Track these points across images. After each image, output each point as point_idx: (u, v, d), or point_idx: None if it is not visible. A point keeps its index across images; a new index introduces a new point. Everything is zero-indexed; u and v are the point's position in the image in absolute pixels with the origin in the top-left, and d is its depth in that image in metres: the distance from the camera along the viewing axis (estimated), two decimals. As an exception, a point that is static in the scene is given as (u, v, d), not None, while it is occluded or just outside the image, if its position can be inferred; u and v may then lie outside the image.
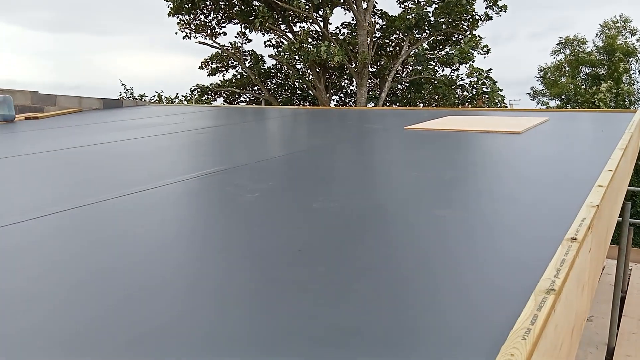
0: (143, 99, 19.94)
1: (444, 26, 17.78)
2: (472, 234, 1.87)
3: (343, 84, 21.54)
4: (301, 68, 19.76)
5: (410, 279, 1.47)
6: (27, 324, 1.26)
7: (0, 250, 1.79)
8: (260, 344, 1.12)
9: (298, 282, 1.45)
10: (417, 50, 18.57)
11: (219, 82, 20.75)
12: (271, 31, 19.11)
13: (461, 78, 18.75)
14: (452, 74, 19.01)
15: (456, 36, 18.79)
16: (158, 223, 2.15)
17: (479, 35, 18.03)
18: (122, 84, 20.57)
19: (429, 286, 1.43)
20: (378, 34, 19.53)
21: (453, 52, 17.56)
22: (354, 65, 18.16)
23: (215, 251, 1.79)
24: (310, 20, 18.79)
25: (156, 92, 21.03)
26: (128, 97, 19.47)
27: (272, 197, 2.57)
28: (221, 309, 1.32)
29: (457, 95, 18.73)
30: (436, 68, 18.99)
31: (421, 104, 20.12)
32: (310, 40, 17.90)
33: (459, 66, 18.50)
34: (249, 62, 20.05)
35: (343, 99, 21.79)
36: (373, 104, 18.50)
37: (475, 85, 18.05)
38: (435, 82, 18.92)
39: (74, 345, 1.16)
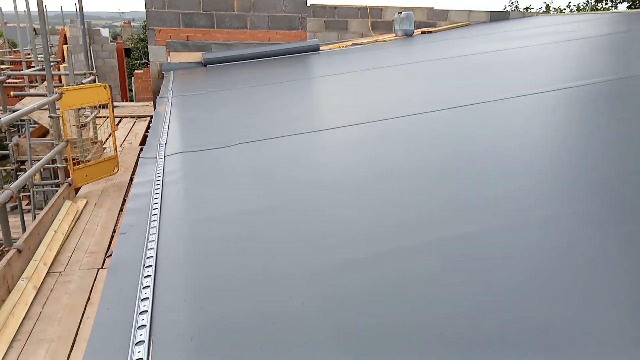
0: (528, 11, 18.74)
1: None
2: None
3: None
4: None
5: None
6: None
7: (395, 133, 2.06)
8: None
9: None
10: None
11: (625, -15, 17.28)
12: None
13: None
14: None
15: None
16: (565, 122, 2.02)
17: None
18: (508, -4, 19.73)
19: None
20: None
21: None
22: None
23: None
24: None
25: (544, 2, 19.32)
26: (513, 10, 18.65)
27: None
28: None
29: None
30: None
31: None
32: None
33: None
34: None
35: None
36: None
37: None
38: None
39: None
